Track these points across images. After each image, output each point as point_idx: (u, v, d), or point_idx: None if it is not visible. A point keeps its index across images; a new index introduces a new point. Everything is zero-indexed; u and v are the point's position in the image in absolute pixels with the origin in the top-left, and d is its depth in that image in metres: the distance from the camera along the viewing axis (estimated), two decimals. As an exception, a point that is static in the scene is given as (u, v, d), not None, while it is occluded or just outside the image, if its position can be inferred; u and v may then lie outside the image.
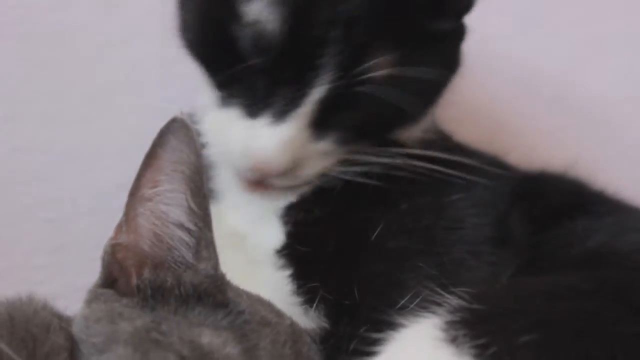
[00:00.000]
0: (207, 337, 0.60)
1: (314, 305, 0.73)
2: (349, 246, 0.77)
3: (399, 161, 0.80)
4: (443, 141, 0.87)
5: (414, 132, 0.85)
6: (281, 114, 0.75)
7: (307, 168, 0.79)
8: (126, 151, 1.01)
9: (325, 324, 0.73)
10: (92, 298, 0.64)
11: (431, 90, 0.82)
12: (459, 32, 0.83)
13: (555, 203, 0.83)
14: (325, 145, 0.78)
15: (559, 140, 1.20)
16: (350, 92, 0.75)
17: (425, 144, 0.83)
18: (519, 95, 1.23)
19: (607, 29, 1.25)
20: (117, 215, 0.65)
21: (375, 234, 0.75)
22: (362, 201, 0.79)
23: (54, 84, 1.04)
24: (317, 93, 0.74)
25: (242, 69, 0.75)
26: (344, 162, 0.80)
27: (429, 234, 0.77)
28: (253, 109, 0.77)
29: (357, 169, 0.80)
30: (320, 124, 0.77)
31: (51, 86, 1.05)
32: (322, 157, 0.79)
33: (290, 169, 0.77)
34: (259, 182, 0.80)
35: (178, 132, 0.63)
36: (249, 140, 0.77)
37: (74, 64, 1.04)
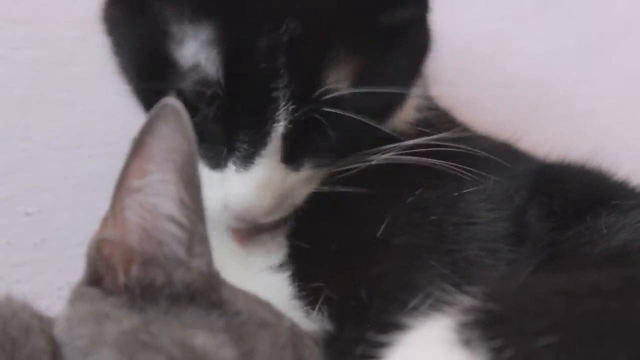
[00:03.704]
0: (201, 339, 0.60)
1: (317, 306, 0.73)
2: (354, 243, 0.77)
3: (392, 157, 0.79)
4: (443, 122, 0.86)
5: (406, 115, 0.85)
6: (248, 158, 0.75)
7: (293, 198, 0.79)
8: (112, 138, 1.01)
9: (328, 326, 0.72)
10: (76, 297, 0.64)
11: (403, 83, 0.80)
12: (422, 11, 0.81)
13: (575, 197, 0.83)
14: (304, 174, 0.78)
15: (579, 127, 1.20)
16: (316, 117, 0.74)
17: (423, 128, 0.83)
18: (538, 78, 1.23)
19: (633, 10, 1.25)
20: (103, 208, 0.65)
21: (381, 230, 0.75)
22: (366, 195, 0.79)
23: (33, 65, 1.04)
24: (279, 128, 0.74)
25: (196, 123, 0.72)
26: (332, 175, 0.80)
27: (438, 230, 0.77)
28: (218, 160, 0.77)
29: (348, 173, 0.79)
30: (293, 155, 0.77)
31: (30, 68, 1.04)
32: (306, 184, 0.79)
33: (276, 206, 0.77)
34: (249, 234, 0.81)
35: (169, 117, 0.63)
36: (224, 193, 0.77)
37: (55, 43, 1.03)
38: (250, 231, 0.82)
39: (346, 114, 0.74)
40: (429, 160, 0.79)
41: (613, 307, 0.63)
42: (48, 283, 1.00)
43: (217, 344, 0.60)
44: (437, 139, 0.81)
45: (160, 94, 0.73)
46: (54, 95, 1.05)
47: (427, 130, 0.84)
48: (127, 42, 0.79)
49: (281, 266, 0.78)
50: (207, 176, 0.76)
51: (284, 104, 0.73)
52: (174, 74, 0.74)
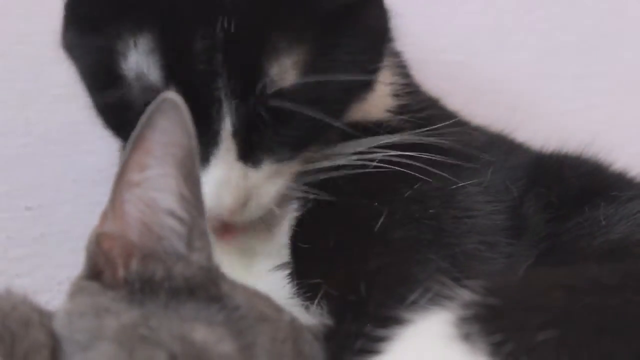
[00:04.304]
0: (200, 333, 0.59)
1: (316, 301, 0.73)
2: (353, 238, 0.76)
3: (366, 154, 0.78)
4: (427, 109, 0.85)
5: (382, 102, 0.83)
6: (202, 159, 0.74)
7: (262, 197, 0.78)
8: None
9: (328, 320, 0.72)
10: (76, 291, 0.64)
11: (360, 69, 0.78)
12: None
13: (573, 188, 0.82)
14: (267, 170, 0.77)
15: (578, 122, 1.20)
16: (264, 109, 0.74)
17: (405, 116, 0.82)
18: (537, 73, 1.22)
19: (632, 5, 1.25)
20: (102, 202, 0.65)
21: (379, 224, 0.75)
22: (362, 189, 0.79)
23: (33, 60, 1.04)
24: (226, 126, 0.73)
25: None
26: (303, 174, 0.80)
27: (437, 223, 0.76)
28: None
29: (323, 175, 0.79)
30: (250, 152, 0.76)
31: (30, 63, 1.04)
32: (272, 181, 0.78)
33: (245, 204, 0.77)
34: (228, 228, 0.80)
35: (168, 112, 0.62)
36: None
37: (55, 38, 1.03)
38: (231, 228, 0.81)
39: (294, 107, 0.73)
40: (423, 156, 0.79)
41: (613, 301, 0.63)
42: (48, 277, 1.00)
43: (217, 338, 0.60)
44: (432, 132, 0.81)
45: (113, 106, 0.76)
46: (54, 90, 1.05)
47: (410, 118, 0.83)
48: (82, 61, 0.80)
49: (282, 265, 0.78)
50: None
51: (226, 101, 0.72)
52: (122, 86, 0.74)
